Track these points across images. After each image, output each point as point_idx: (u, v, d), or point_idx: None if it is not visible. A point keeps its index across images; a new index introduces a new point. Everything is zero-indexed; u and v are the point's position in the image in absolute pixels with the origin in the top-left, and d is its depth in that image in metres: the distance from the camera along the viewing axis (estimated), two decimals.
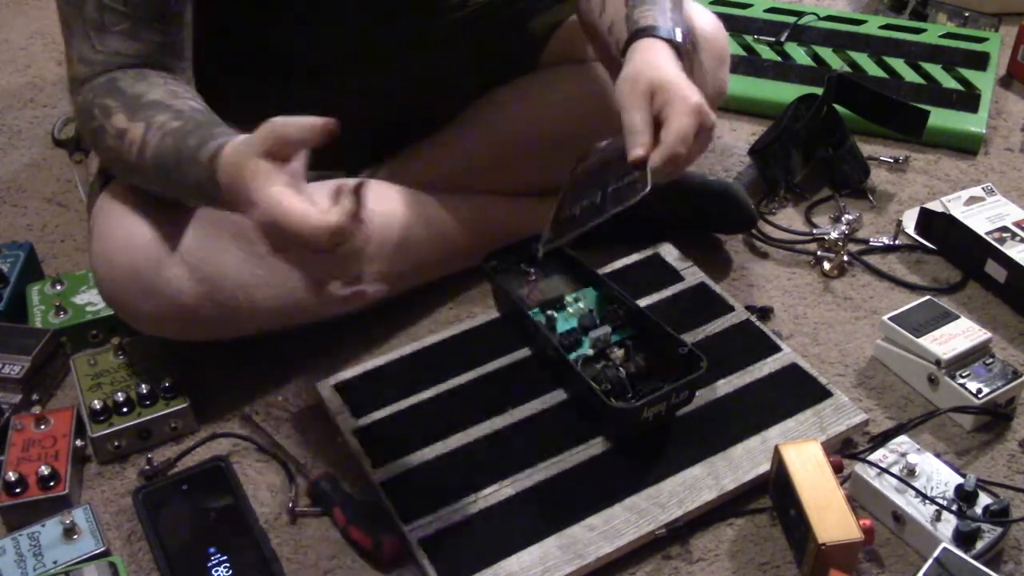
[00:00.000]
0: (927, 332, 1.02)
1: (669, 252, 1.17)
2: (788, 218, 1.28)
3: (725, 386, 1.00)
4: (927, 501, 0.86)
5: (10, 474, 0.91)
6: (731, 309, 1.09)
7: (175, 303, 0.92)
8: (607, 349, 0.97)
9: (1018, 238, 1.14)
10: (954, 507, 0.86)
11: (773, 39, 1.59)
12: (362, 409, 0.99)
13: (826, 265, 1.19)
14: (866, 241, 1.24)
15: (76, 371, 1.03)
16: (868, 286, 1.18)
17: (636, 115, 0.88)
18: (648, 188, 0.85)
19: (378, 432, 0.97)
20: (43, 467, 0.91)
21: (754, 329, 1.07)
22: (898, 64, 1.53)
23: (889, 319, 1.04)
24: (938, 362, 0.99)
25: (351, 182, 0.77)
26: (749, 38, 1.60)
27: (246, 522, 0.89)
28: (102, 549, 0.86)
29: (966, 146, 1.40)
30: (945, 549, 0.81)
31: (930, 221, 1.21)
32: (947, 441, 0.98)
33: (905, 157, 1.38)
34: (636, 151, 0.87)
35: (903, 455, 0.91)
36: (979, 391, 0.97)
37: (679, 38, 0.95)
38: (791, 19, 1.63)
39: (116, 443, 0.97)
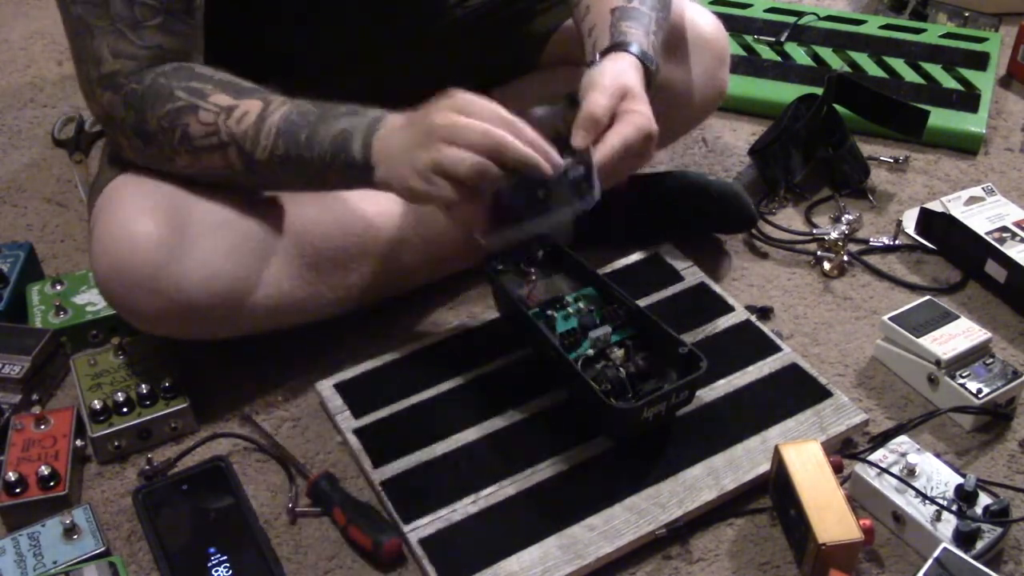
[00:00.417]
0: (927, 332, 1.02)
1: (669, 252, 1.17)
2: (788, 218, 1.28)
3: (725, 386, 1.00)
4: (927, 501, 0.86)
5: (10, 474, 0.91)
6: (731, 309, 1.09)
7: (176, 302, 0.92)
8: (607, 349, 0.97)
9: (1018, 238, 1.14)
10: (954, 507, 0.86)
11: (773, 39, 1.59)
12: (362, 409, 0.99)
13: (826, 265, 1.19)
14: (866, 241, 1.24)
15: (76, 371, 1.03)
16: (868, 286, 1.18)
17: (603, 100, 0.90)
18: (597, 198, 0.88)
19: (378, 432, 0.97)
20: (43, 467, 0.91)
21: (754, 329, 1.07)
22: (898, 64, 1.53)
23: (889, 319, 1.04)
24: (938, 362, 0.99)
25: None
26: (749, 38, 1.60)
27: (246, 522, 0.89)
28: (102, 549, 0.86)
29: (966, 146, 1.40)
30: (945, 549, 0.81)
31: (930, 221, 1.21)
32: (947, 441, 0.98)
33: (905, 157, 1.38)
34: (581, 138, 0.90)
35: (903, 455, 0.91)
36: (979, 391, 0.97)
37: (652, 66, 0.98)
38: (791, 19, 1.63)
39: (116, 443, 0.97)
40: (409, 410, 0.99)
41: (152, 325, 0.95)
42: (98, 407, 0.97)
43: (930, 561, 0.81)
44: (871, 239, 1.24)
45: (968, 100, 1.45)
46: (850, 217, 1.26)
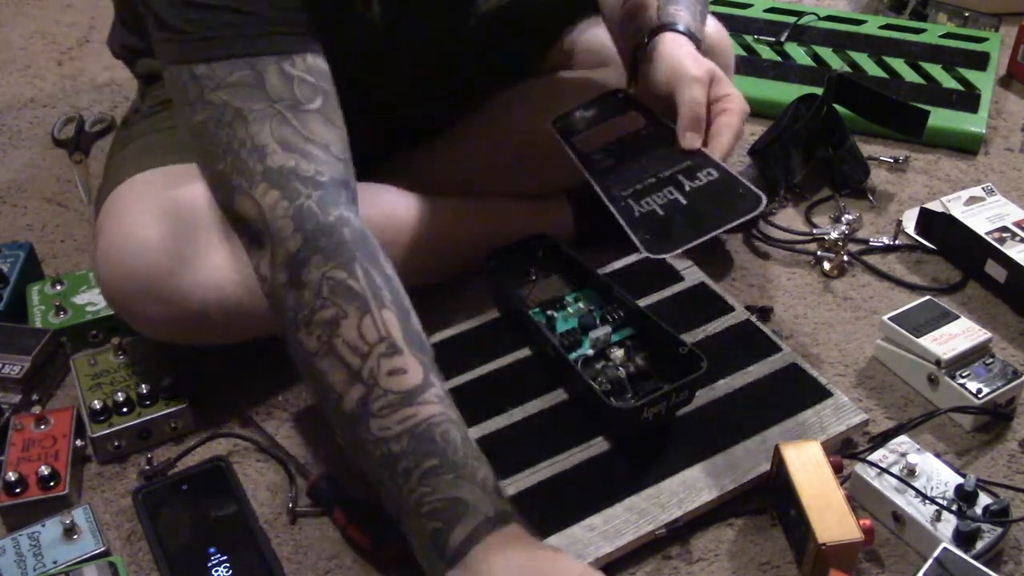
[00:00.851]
0: (927, 332, 1.02)
1: None
2: (788, 218, 1.28)
3: (725, 386, 1.00)
4: (927, 501, 0.86)
5: (10, 474, 0.91)
6: (731, 309, 1.09)
7: (183, 310, 0.91)
8: (607, 349, 0.97)
9: (1018, 238, 1.14)
10: (954, 507, 0.86)
11: (773, 39, 1.59)
12: None
13: (826, 265, 1.19)
14: (866, 241, 1.24)
15: (76, 371, 1.03)
16: (868, 286, 1.18)
17: (699, 90, 0.88)
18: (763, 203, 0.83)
19: None
20: (43, 467, 0.91)
21: (754, 329, 1.07)
22: (898, 64, 1.53)
23: (889, 319, 1.04)
24: (938, 362, 0.99)
25: None
26: (749, 38, 1.60)
27: (246, 522, 0.89)
28: (102, 549, 0.86)
29: (966, 146, 1.40)
30: (945, 549, 0.81)
31: (930, 221, 1.21)
32: (947, 441, 0.98)
33: (905, 157, 1.38)
34: (691, 139, 0.88)
35: (903, 455, 0.91)
36: (979, 391, 0.97)
37: (701, 48, 0.96)
38: (791, 19, 1.63)
39: (116, 443, 0.97)
40: None
41: (157, 332, 0.95)
42: (98, 407, 0.97)
43: (930, 561, 0.81)
44: (871, 239, 1.24)
45: (968, 100, 1.45)
46: (850, 217, 1.26)
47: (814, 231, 1.24)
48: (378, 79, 1.06)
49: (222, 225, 0.93)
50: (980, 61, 1.53)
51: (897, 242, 1.23)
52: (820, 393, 0.98)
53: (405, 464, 0.71)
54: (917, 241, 1.23)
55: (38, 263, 1.20)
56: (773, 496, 0.91)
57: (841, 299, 1.16)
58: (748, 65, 1.53)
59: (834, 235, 1.20)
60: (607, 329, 0.98)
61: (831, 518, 0.82)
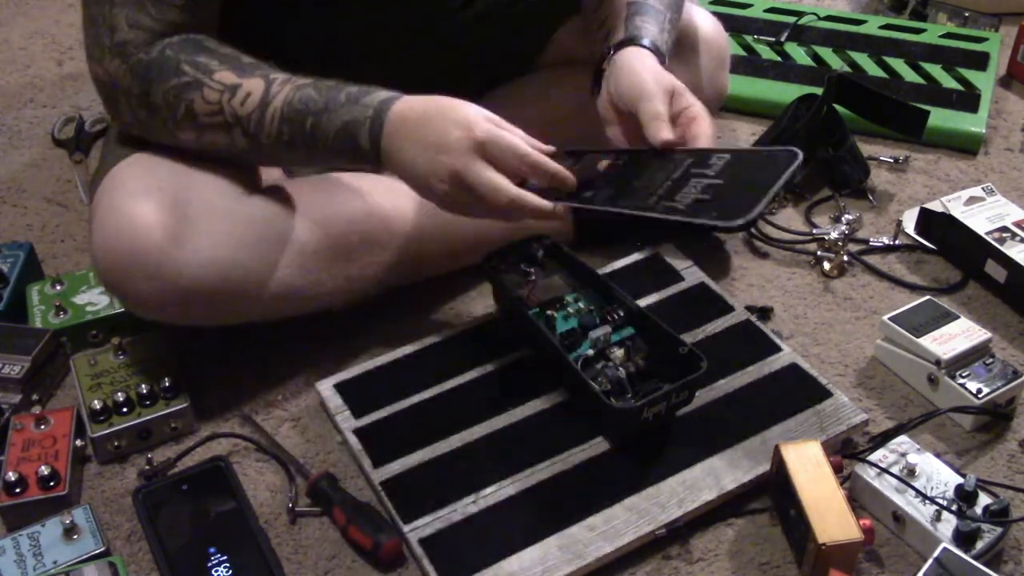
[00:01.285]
0: (927, 332, 1.02)
1: (669, 252, 1.17)
2: (788, 218, 1.28)
3: (725, 386, 1.00)
4: (927, 501, 0.86)
5: (10, 474, 0.91)
6: (731, 309, 1.09)
7: (177, 287, 0.91)
8: (607, 349, 0.97)
9: (1018, 238, 1.14)
10: (954, 507, 0.86)
11: (773, 39, 1.59)
12: (362, 409, 0.99)
13: (826, 265, 1.19)
14: (866, 241, 1.24)
15: (76, 371, 1.03)
16: (868, 286, 1.18)
17: (660, 107, 0.92)
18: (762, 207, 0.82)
19: (378, 432, 0.97)
20: (43, 467, 0.91)
21: (754, 329, 1.07)
22: (898, 64, 1.53)
23: (889, 319, 1.04)
24: (938, 362, 0.99)
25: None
26: (749, 38, 1.60)
27: (246, 522, 0.89)
28: (102, 549, 0.86)
29: (966, 146, 1.40)
30: (945, 549, 0.81)
31: (930, 221, 1.21)
32: (947, 441, 0.98)
33: (905, 157, 1.38)
34: (664, 133, 0.91)
35: (903, 455, 0.91)
36: (979, 391, 0.97)
37: (665, 62, 0.99)
38: (791, 19, 1.63)
39: (116, 443, 0.97)
40: (409, 410, 0.99)
41: (151, 310, 0.94)
42: (98, 407, 0.97)
43: (930, 561, 0.81)
44: (871, 239, 1.24)
45: (968, 100, 1.45)
46: (850, 217, 1.26)
47: (814, 231, 1.24)
48: (365, 82, 1.07)
49: (215, 202, 0.94)
50: (980, 61, 1.53)
51: (897, 242, 1.23)
52: (820, 393, 0.98)
53: (297, 139, 0.91)
54: (917, 241, 1.23)
55: (38, 263, 1.19)
56: (773, 496, 0.91)
57: (841, 299, 1.16)
58: (748, 65, 1.53)
59: (834, 235, 1.20)
60: (607, 329, 0.98)
61: (831, 518, 0.82)
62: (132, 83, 0.92)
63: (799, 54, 1.57)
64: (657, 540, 0.88)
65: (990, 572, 0.79)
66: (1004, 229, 1.16)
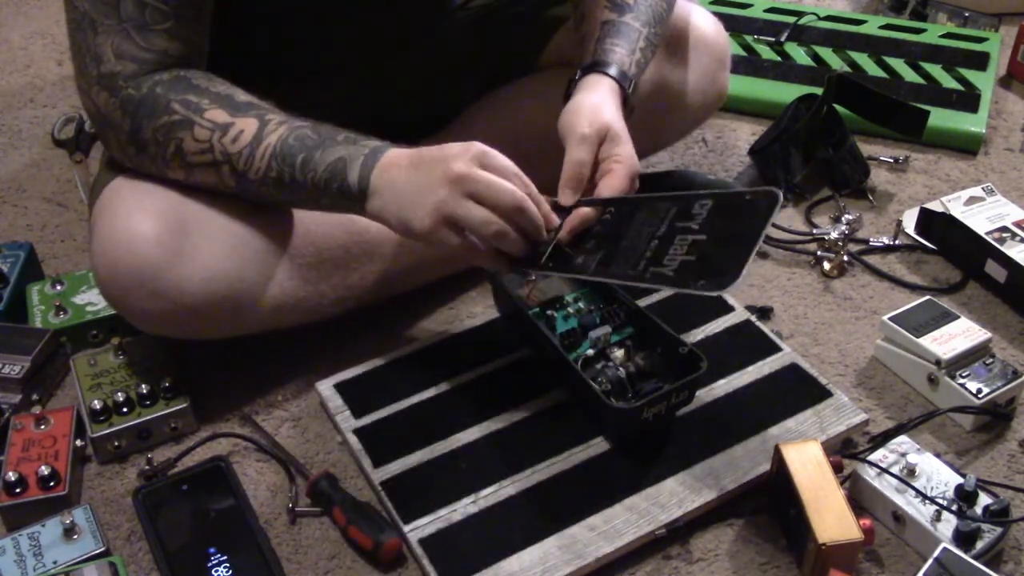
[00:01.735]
0: (927, 332, 1.02)
1: None
2: (788, 218, 1.28)
3: (725, 386, 1.00)
4: (927, 501, 0.86)
5: (10, 474, 0.91)
6: (731, 309, 1.09)
7: (177, 303, 0.91)
8: (607, 349, 0.97)
9: (1018, 238, 1.14)
10: (954, 507, 0.86)
11: (773, 39, 1.59)
12: (362, 409, 0.99)
13: (826, 265, 1.19)
14: (866, 241, 1.24)
15: (76, 371, 1.03)
16: (868, 286, 1.18)
17: (585, 150, 0.92)
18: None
19: (378, 432, 0.97)
20: (43, 467, 0.91)
21: (754, 329, 1.07)
22: (898, 64, 1.53)
23: (889, 319, 1.04)
24: (938, 362, 0.99)
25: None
26: (749, 38, 1.60)
27: (246, 522, 0.89)
28: (102, 549, 0.86)
29: (966, 146, 1.40)
30: (945, 549, 0.81)
31: (930, 221, 1.21)
32: (947, 441, 0.98)
33: (905, 157, 1.38)
34: (568, 196, 0.92)
35: (903, 455, 0.91)
36: (979, 391, 0.97)
37: (631, 89, 0.98)
38: (791, 19, 1.63)
39: (116, 443, 0.97)
40: (409, 410, 0.99)
41: (153, 326, 0.95)
42: (98, 407, 0.97)
43: (930, 561, 0.81)
44: (871, 239, 1.24)
45: (968, 100, 1.45)
46: (850, 217, 1.26)
47: (814, 231, 1.24)
48: (364, 82, 1.07)
49: (215, 219, 0.94)
50: (980, 61, 1.53)
51: (897, 242, 1.23)
52: (820, 393, 0.98)
53: (286, 173, 0.89)
54: (917, 241, 1.23)
55: (38, 263, 1.20)
56: (773, 496, 0.91)
57: (841, 299, 1.16)
58: (748, 65, 1.53)
59: (834, 235, 1.20)
60: (607, 329, 0.98)
61: (831, 518, 0.82)
62: (122, 119, 0.91)
63: (799, 54, 1.57)
64: (657, 540, 0.88)
65: (990, 572, 0.79)
66: (1004, 229, 1.16)
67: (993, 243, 1.14)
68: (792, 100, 1.36)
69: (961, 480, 0.88)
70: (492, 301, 1.11)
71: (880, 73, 1.52)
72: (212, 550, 0.87)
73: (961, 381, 0.98)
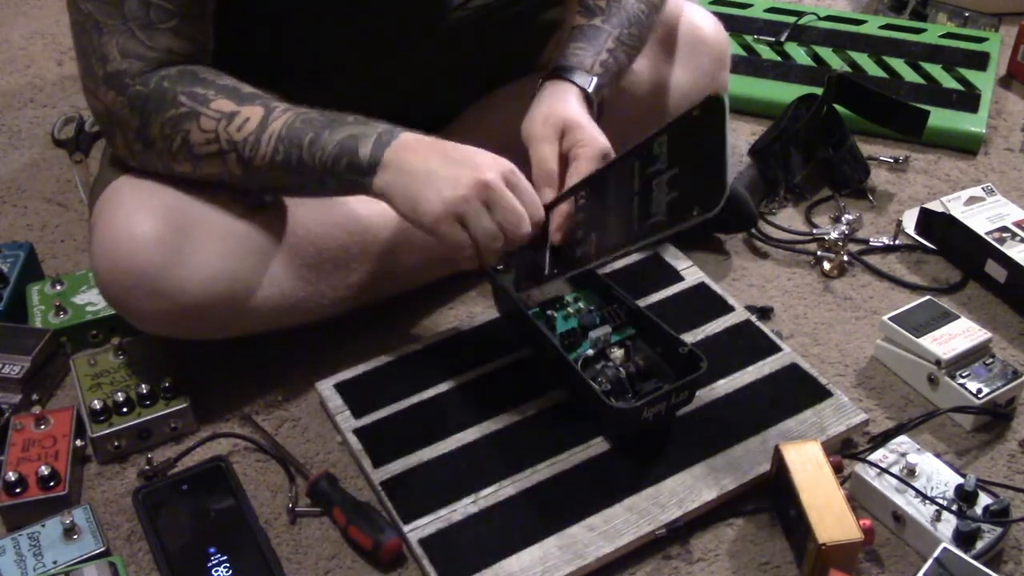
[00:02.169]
0: (927, 332, 1.02)
1: (669, 252, 1.17)
2: (788, 218, 1.28)
3: (725, 386, 1.00)
4: (927, 501, 0.86)
5: (10, 474, 0.91)
6: (731, 309, 1.09)
7: (177, 303, 0.92)
8: (607, 349, 0.97)
9: (1018, 238, 1.14)
10: (954, 507, 0.86)
11: (773, 39, 1.59)
12: (362, 409, 0.99)
13: (826, 265, 1.19)
14: (866, 241, 1.24)
15: (76, 371, 1.03)
16: (868, 286, 1.18)
17: (546, 147, 0.93)
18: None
19: (378, 432, 0.97)
20: (43, 467, 0.91)
21: (754, 329, 1.07)
22: (898, 64, 1.53)
23: (889, 319, 1.04)
24: (938, 362, 0.99)
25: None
26: (749, 38, 1.60)
27: (246, 522, 0.89)
28: (102, 549, 0.86)
29: (966, 146, 1.40)
30: (945, 549, 0.81)
31: (930, 221, 1.21)
32: (947, 441, 0.98)
33: (905, 157, 1.38)
34: (546, 195, 0.93)
35: (903, 455, 0.91)
36: (979, 391, 0.97)
37: (591, 88, 1.00)
38: (791, 19, 1.63)
39: (116, 443, 0.97)
40: (409, 410, 0.99)
41: (152, 325, 0.95)
42: (98, 407, 0.97)
43: (930, 561, 0.81)
44: (871, 239, 1.24)
45: (968, 100, 1.45)
46: (850, 217, 1.26)
47: (814, 231, 1.24)
48: (363, 82, 1.07)
49: (215, 219, 0.94)
50: (980, 61, 1.53)
51: (897, 242, 1.23)
52: (820, 393, 0.98)
53: (293, 156, 0.89)
54: (917, 241, 1.23)
55: (38, 263, 1.20)
56: (773, 496, 0.91)
57: (841, 299, 1.16)
58: (748, 65, 1.53)
59: (834, 235, 1.20)
60: (607, 329, 0.98)
61: (831, 518, 0.82)
62: (130, 116, 0.91)
63: (799, 54, 1.57)
64: (657, 540, 0.88)
65: (990, 572, 0.79)
66: (1004, 229, 1.16)
67: (993, 243, 1.14)
68: (792, 100, 1.36)
69: (961, 480, 0.88)
70: (492, 301, 1.11)
71: (880, 73, 1.52)
72: (212, 550, 0.87)
73: (961, 381, 0.98)
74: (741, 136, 1.44)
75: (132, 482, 0.96)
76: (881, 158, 1.37)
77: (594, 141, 0.93)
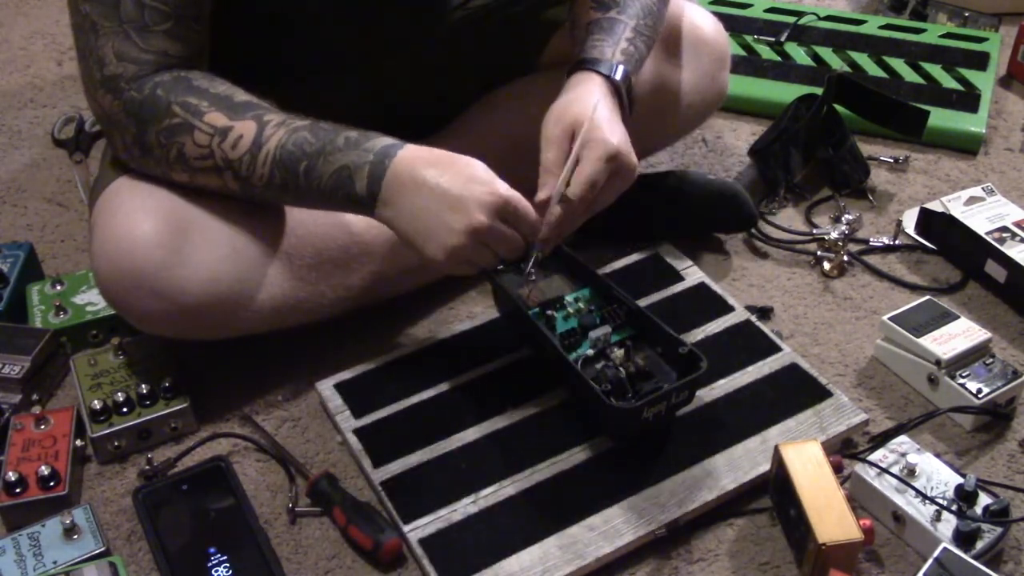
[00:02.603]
0: (927, 332, 1.02)
1: (669, 252, 1.17)
2: (788, 218, 1.28)
3: (725, 386, 1.00)
4: (927, 501, 0.86)
5: (10, 474, 0.91)
6: (731, 309, 1.09)
7: (177, 304, 0.92)
8: (607, 349, 0.97)
9: (1018, 238, 1.14)
10: (954, 507, 0.86)
11: (773, 39, 1.59)
12: (362, 409, 0.99)
13: (826, 265, 1.19)
14: (866, 241, 1.24)
15: (76, 371, 1.03)
16: (868, 286, 1.18)
17: (551, 152, 0.93)
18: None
19: (378, 432, 0.97)
20: (43, 467, 0.91)
21: (754, 329, 1.07)
22: (898, 64, 1.53)
23: (889, 319, 1.04)
24: (938, 362, 0.99)
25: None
26: (749, 38, 1.60)
27: (246, 522, 0.89)
28: (102, 549, 0.86)
29: (966, 146, 1.40)
30: (945, 549, 0.81)
31: (930, 221, 1.21)
32: (947, 441, 0.98)
33: (905, 157, 1.38)
34: (541, 193, 0.93)
35: (903, 455, 0.91)
36: (979, 391, 0.97)
37: (618, 76, 0.98)
38: (791, 19, 1.63)
39: (116, 443, 0.97)
40: (409, 410, 0.99)
41: (153, 326, 0.95)
42: (98, 407, 0.97)
43: (930, 561, 0.81)
44: (871, 239, 1.24)
45: (968, 100, 1.45)
46: (850, 217, 1.26)
47: (814, 231, 1.24)
48: (363, 83, 1.07)
49: (215, 220, 0.94)
50: (980, 61, 1.53)
51: (897, 242, 1.23)
52: (820, 393, 0.98)
53: (290, 182, 0.90)
54: (917, 241, 1.23)
55: (38, 263, 1.20)
56: (773, 496, 0.91)
57: (841, 299, 1.16)
58: (748, 65, 1.53)
59: (834, 235, 1.20)
60: (607, 329, 0.98)
61: (831, 518, 0.82)
62: (127, 122, 0.91)
63: (799, 54, 1.57)
64: (657, 540, 0.88)
65: (990, 572, 0.79)
66: (1004, 229, 1.16)
67: (993, 243, 1.14)
68: (792, 100, 1.36)
69: (961, 480, 0.88)
70: (492, 301, 1.11)
71: (880, 73, 1.52)
72: (212, 550, 0.87)
73: (961, 381, 0.98)
74: (741, 136, 1.44)
75: (132, 482, 0.96)
76: (881, 158, 1.37)
77: (602, 142, 0.92)
